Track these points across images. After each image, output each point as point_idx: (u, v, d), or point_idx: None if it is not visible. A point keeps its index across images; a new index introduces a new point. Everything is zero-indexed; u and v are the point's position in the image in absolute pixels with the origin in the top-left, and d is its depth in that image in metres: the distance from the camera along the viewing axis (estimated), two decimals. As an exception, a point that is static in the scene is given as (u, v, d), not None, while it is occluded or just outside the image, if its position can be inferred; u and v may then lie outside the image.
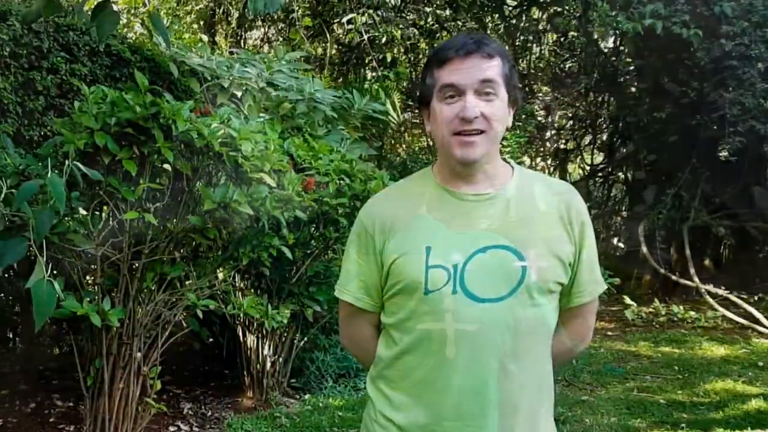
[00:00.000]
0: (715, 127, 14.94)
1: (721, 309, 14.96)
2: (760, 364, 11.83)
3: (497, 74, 2.79)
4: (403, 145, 18.31)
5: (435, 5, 16.31)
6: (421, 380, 2.87)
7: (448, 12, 16.66)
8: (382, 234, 2.95)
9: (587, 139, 21.92)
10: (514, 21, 19.91)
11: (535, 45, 21.26)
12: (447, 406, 2.81)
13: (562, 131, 21.40)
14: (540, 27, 20.04)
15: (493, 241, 2.81)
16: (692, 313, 15.29)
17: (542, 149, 20.77)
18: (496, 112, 2.78)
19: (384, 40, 15.28)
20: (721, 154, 15.73)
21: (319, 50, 16.71)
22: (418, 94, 3.07)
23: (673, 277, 16.50)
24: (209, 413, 8.73)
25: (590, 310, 3.15)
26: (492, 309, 2.75)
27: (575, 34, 17.92)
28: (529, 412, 2.88)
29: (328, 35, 16.26)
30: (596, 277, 3.07)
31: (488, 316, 2.75)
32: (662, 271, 16.71)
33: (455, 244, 2.80)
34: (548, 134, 20.90)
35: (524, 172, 3.07)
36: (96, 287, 6.35)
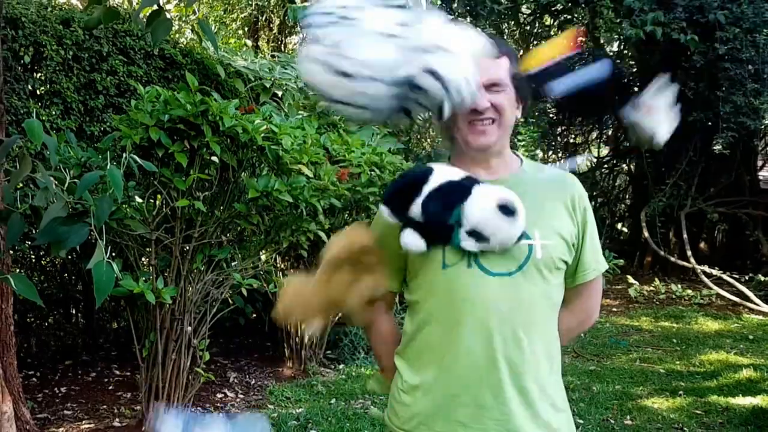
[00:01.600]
0: (709, 123, 15.01)
1: (715, 287, 14.98)
2: (751, 337, 11.89)
3: (504, 73, 2.81)
4: (428, 140, 18.29)
5: (457, 13, 16.24)
6: (439, 347, 2.86)
7: (468, 19, 16.58)
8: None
9: (594, 133, 21.89)
10: (528, 27, 19.89)
11: (547, 49, 21.17)
12: (463, 371, 2.80)
13: (571, 127, 21.32)
14: (552, 33, 19.97)
15: None
16: (689, 291, 15.39)
17: (554, 143, 20.66)
18: (504, 103, 2.80)
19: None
20: (715, 148, 15.85)
21: (352, 53, 16.63)
22: None
23: (672, 259, 16.54)
24: (253, 382, 8.75)
25: (595, 288, 3.13)
26: (503, 283, 2.74)
27: (584, 39, 17.85)
28: (539, 378, 2.85)
29: (360, 40, 16.17)
30: (598, 257, 3.05)
31: (500, 290, 2.75)
32: (662, 253, 16.74)
33: None
34: (559, 129, 20.81)
35: (531, 163, 3.07)
36: (150, 268, 6.35)
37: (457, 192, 2.71)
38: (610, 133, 20.98)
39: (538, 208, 2.82)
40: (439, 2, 14.67)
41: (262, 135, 6.16)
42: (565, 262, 2.90)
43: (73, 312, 9.53)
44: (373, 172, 8.26)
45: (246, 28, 18.02)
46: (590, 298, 3.15)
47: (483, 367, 2.78)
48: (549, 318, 2.93)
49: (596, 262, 3.03)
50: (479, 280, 2.75)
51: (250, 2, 17.16)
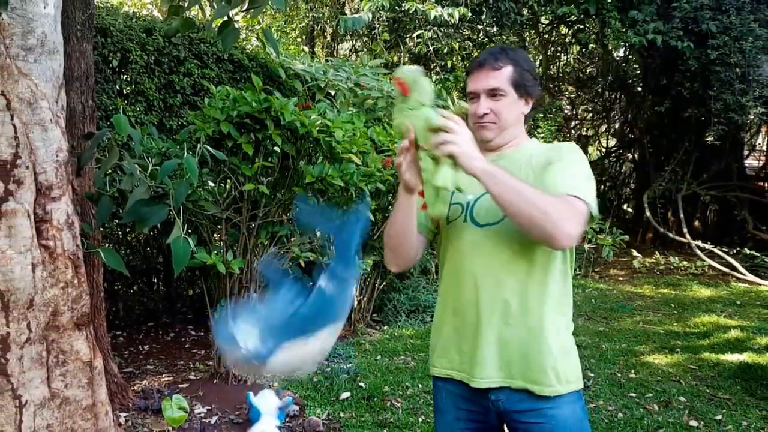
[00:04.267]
0: (702, 118, 15.25)
1: (707, 260, 15.20)
2: (738, 302, 12.02)
3: (504, 81, 2.88)
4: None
5: (485, 23, 16.20)
6: (450, 278, 2.99)
7: (495, 28, 16.53)
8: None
9: (603, 127, 21.93)
10: (546, 35, 19.85)
11: (562, 54, 21.19)
12: (467, 295, 2.89)
13: (583, 121, 21.32)
14: (567, 40, 19.94)
15: None
16: (685, 262, 15.53)
17: (568, 135, 20.65)
18: (502, 108, 2.89)
19: (445, 50, 15.19)
20: (707, 139, 15.98)
21: (395, 58, 16.53)
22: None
23: (670, 235, 16.76)
24: (309, 340, 8.69)
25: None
26: (490, 230, 2.82)
27: (594, 45, 17.91)
28: (526, 300, 2.82)
29: (401, 47, 16.13)
30: (565, 181, 2.68)
31: (489, 235, 2.83)
32: (662, 230, 17.01)
33: (470, 189, 2.76)
34: (573, 123, 20.79)
35: (534, 142, 3.11)
36: (221, 243, 6.36)
37: None
38: (617, 126, 20.96)
39: (523, 170, 2.86)
40: (470, 15, 14.62)
41: (318, 128, 6.15)
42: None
43: (155, 281, 9.56)
44: (412, 160, 8.20)
45: (303, 36, 18.00)
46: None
47: (484, 292, 2.86)
48: (533, 253, 2.82)
49: (561, 185, 2.66)
50: (472, 230, 2.89)
51: (307, 14, 17.16)
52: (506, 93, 2.89)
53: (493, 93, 2.88)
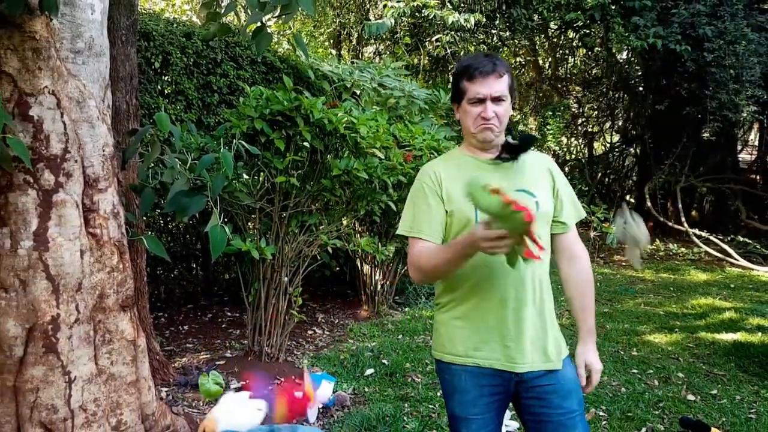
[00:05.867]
0: (699, 116, 15.17)
1: (703, 246, 15.21)
2: (732, 286, 12.05)
3: (505, 87, 3.01)
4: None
5: (498, 28, 16.19)
6: (482, 273, 2.99)
7: (507, 33, 16.51)
8: (438, 183, 3.10)
9: (607, 124, 21.85)
10: (555, 39, 19.82)
11: (570, 57, 21.18)
12: (491, 292, 3.00)
13: (589, 119, 21.24)
14: (574, 44, 19.90)
15: (514, 187, 2.98)
16: (683, 249, 15.57)
17: (575, 131, 20.63)
18: (504, 112, 3.03)
19: (462, 53, 15.17)
20: (704, 135, 15.94)
21: (415, 60, 16.51)
22: (451, 93, 3.21)
23: (669, 224, 16.71)
24: (336, 321, 8.75)
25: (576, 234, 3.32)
26: None
27: (599, 49, 17.89)
28: (541, 289, 3.08)
29: (421, 49, 16.10)
30: (577, 206, 3.27)
31: None
32: (662, 219, 16.91)
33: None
34: (580, 121, 20.72)
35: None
36: (255, 231, 6.36)
37: None
38: (620, 123, 20.94)
39: (530, 177, 3.10)
40: (484, 20, 14.58)
41: (344, 125, 6.17)
42: (554, 210, 3.16)
43: (194, 266, 9.56)
44: (432, 155, 8.18)
45: (331, 40, 17.99)
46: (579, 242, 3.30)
47: (505, 289, 2.99)
48: (545, 254, 3.11)
49: (576, 210, 3.25)
50: None
51: (334, 20, 17.16)
52: (506, 99, 3.03)
53: (498, 98, 2.98)
